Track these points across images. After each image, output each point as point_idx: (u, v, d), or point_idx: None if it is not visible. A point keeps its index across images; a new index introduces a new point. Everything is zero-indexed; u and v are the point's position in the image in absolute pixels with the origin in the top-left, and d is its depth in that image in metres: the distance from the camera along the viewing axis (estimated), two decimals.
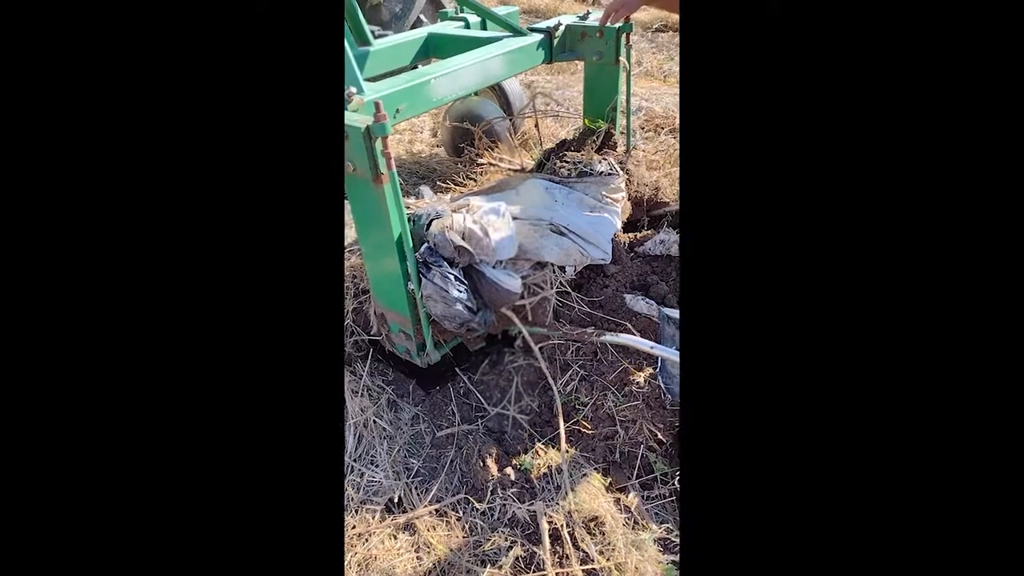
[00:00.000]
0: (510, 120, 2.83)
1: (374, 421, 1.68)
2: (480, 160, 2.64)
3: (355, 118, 1.40)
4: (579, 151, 2.37)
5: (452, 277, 1.52)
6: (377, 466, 1.59)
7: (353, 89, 1.58)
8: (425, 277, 1.53)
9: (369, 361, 1.81)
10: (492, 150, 2.69)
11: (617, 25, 2.19)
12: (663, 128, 3.17)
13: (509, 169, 2.66)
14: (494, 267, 1.63)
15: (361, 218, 1.59)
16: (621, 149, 2.42)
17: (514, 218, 1.80)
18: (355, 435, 1.66)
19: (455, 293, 1.51)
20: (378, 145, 1.40)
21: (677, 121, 3.18)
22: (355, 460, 1.61)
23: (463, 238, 1.54)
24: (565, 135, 2.94)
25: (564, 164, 2.21)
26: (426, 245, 1.54)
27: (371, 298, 1.80)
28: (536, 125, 2.54)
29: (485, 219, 1.63)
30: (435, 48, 2.50)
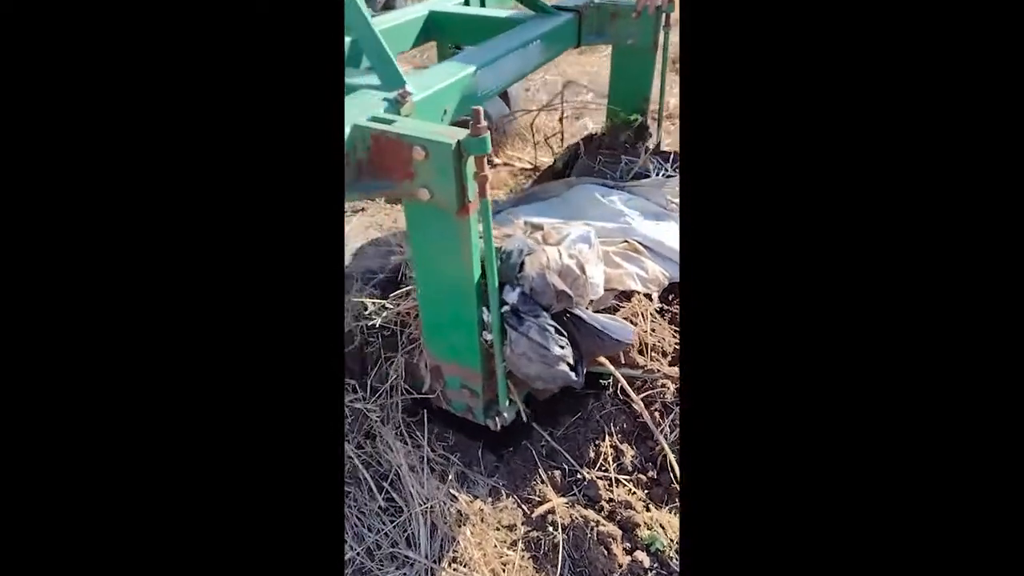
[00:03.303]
0: (512, 115, 2.50)
1: (448, 504, 1.35)
2: (495, 160, 2.29)
3: (433, 130, 1.04)
4: (612, 148, 2.10)
5: (552, 330, 1.21)
6: (466, 565, 1.27)
7: (410, 88, 1.20)
8: (517, 331, 1.21)
9: (426, 427, 1.47)
10: (501, 149, 2.35)
11: (656, 3, 1.92)
12: None
13: (523, 169, 2.34)
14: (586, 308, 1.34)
15: (428, 255, 1.23)
16: (651, 143, 2.18)
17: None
18: (427, 525, 1.33)
19: (557, 350, 1.20)
20: (470, 166, 1.05)
21: None
22: (435, 561, 1.28)
23: (560, 277, 1.23)
24: (568, 129, 2.65)
25: (609, 163, 1.93)
26: (519, 291, 1.21)
27: (422, 348, 1.45)
28: (561, 119, 2.23)
29: (576, 250, 1.32)
30: (437, 29, 2.11)
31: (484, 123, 0.99)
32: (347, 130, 1.05)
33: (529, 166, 2.33)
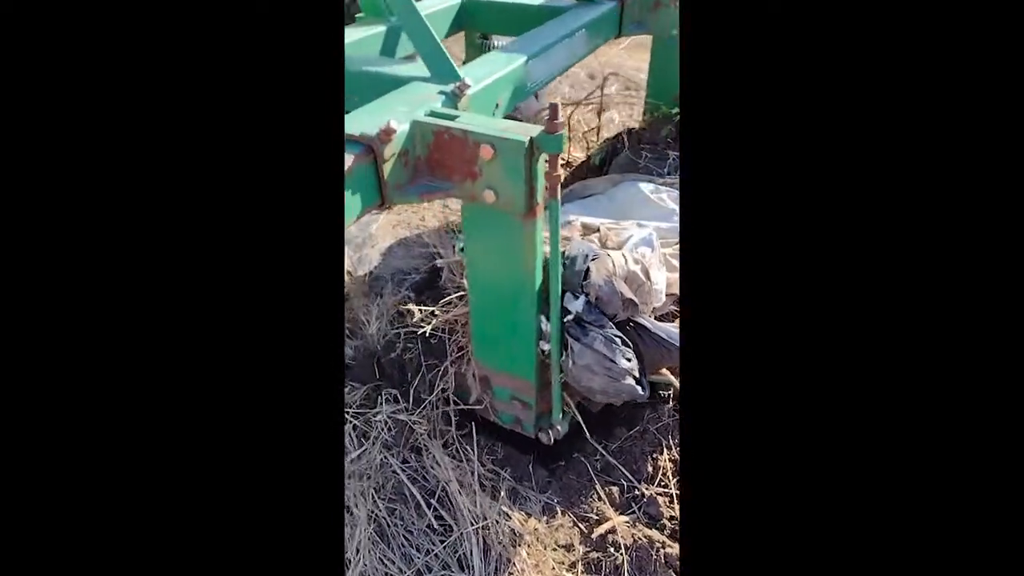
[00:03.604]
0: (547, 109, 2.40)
1: (501, 522, 1.28)
2: None
3: (502, 127, 0.96)
4: (654, 143, 2.01)
5: (619, 341, 1.13)
6: None
7: (469, 80, 1.12)
8: (581, 342, 1.13)
9: (475, 441, 1.39)
10: None
11: None
12: None
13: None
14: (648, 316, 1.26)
15: (485, 260, 1.15)
16: None
17: None
18: (480, 546, 1.25)
19: (623, 363, 1.12)
20: (541, 165, 0.97)
21: None
22: None
23: (626, 284, 1.15)
24: (592, 123, 2.55)
25: (654, 159, 1.84)
26: (583, 299, 1.13)
27: (471, 357, 1.37)
28: (599, 112, 2.13)
29: (639, 254, 1.24)
30: (471, 18, 2.02)
31: (561, 119, 0.91)
32: (406, 126, 0.96)
33: (561, 162, 2.24)
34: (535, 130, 0.93)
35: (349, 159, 0.89)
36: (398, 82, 1.23)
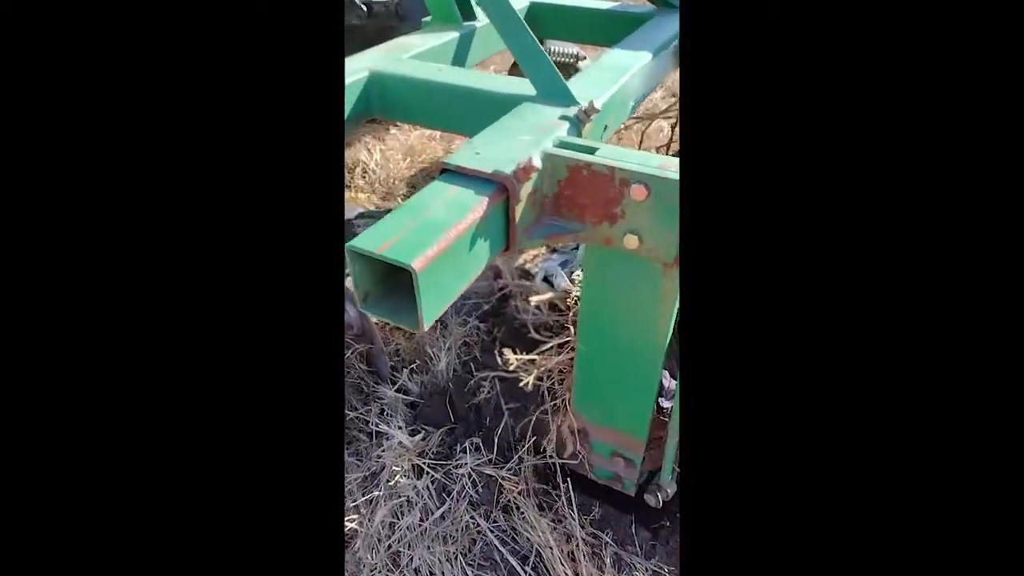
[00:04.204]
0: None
1: None
2: None
3: (655, 163, 0.81)
4: None
5: None
6: None
7: (597, 104, 0.97)
8: None
9: (575, 499, 1.25)
10: None
11: None
12: None
13: None
14: None
15: (609, 309, 1.01)
16: None
17: None
18: None
19: None
20: None
21: None
22: None
23: None
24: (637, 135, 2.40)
25: None
26: None
27: (568, 409, 1.23)
28: (673, 126, 1.99)
29: None
30: (540, 23, 1.87)
31: None
32: (538, 159, 0.82)
33: None
34: None
35: (482, 202, 0.75)
36: (497, 100, 1.09)
